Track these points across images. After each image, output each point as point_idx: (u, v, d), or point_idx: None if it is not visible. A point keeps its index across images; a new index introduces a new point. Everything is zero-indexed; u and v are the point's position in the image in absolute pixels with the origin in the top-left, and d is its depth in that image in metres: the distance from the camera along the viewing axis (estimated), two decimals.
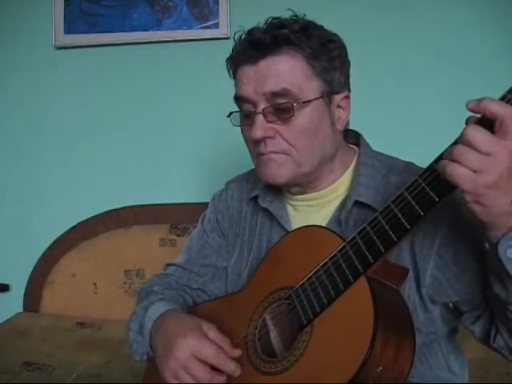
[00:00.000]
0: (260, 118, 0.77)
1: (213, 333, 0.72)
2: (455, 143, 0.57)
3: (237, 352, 0.72)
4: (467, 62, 1.55)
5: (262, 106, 0.76)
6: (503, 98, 0.56)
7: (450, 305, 0.80)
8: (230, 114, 0.83)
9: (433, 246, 0.74)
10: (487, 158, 0.53)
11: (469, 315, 0.77)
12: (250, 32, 0.79)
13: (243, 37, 0.80)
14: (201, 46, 1.66)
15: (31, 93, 1.73)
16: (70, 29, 1.69)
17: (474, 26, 1.56)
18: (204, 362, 0.69)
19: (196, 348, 0.69)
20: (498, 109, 0.53)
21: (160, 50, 1.68)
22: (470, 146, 0.54)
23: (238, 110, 0.82)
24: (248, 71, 0.77)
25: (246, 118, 0.80)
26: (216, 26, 1.64)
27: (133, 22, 1.67)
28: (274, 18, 0.79)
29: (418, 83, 1.57)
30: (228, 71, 0.84)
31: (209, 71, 1.64)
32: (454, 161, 0.55)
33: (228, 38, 1.62)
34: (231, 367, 0.70)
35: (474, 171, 0.54)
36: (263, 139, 0.77)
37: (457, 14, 1.57)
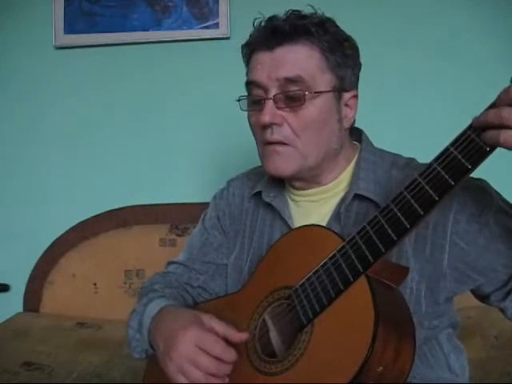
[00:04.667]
0: (270, 104, 0.77)
1: (215, 323, 0.71)
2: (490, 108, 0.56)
3: (244, 335, 0.71)
4: (467, 62, 1.55)
5: (273, 91, 0.77)
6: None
7: None
8: (240, 98, 0.83)
9: (446, 235, 0.73)
10: None
11: (497, 294, 0.75)
12: (270, 19, 0.80)
13: (263, 24, 0.81)
14: (201, 45, 1.66)
15: (31, 93, 1.73)
16: (70, 29, 1.68)
17: (473, 26, 1.56)
18: (208, 353, 0.68)
19: (198, 339, 0.68)
20: None
21: (160, 49, 1.68)
22: None
23: (246, 94, 0.83)
24: (263, 57, 0.78)
25: (255, 104, 0.81)
26: (216, 26, 1.63)
27: (133, 22, 1.67)
28: (294, 10, 0.80)
29: (418, 83, 1.58)
30: (243, 57, 0.85)
31: (209, 71, 1.65)
32: (506, 126, 0.54)
33: (228, 38, 1.61)
34: (232, 356, 0.69)
35: None
36: (270, 125, 0.78)
37: (457, 14, 1.56)
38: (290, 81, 0.76)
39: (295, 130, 0.78)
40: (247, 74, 0.83)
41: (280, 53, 0.77)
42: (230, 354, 0.69)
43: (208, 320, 0.72)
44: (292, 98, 0.77)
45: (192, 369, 0.68)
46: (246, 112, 0.84)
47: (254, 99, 0.81)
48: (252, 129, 0.84)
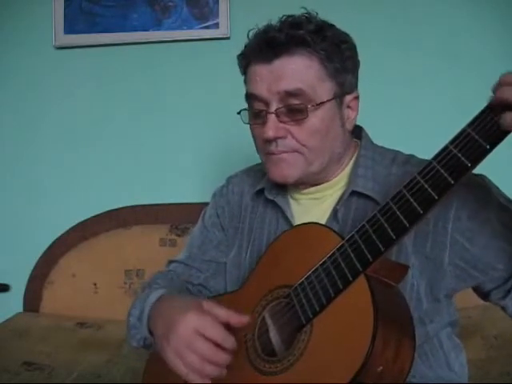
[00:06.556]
0: (272, 118, 0.77)
1: (216, 309, 0.69)
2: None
3: (245, 318, 0.69)
4: (467, 62, 1.55)
5: (274, 105, 0.77)
6: None
7: None
8: (240, 111, 0.83)
9: (446, 232, 0.73)
10: None
11: (497, 292, 0.74)
12: (265, 30, 0.79)
13: (258, 35, 0.80)
14: (201, 45, 1.66)
15: (31, 93, 1.73)
16: (70, 29, 1.68)
17: (473, 26, 1.56)
18: (206, 339, 0.66)
19: (198, 324, 0.67)
20: None
21: (160, 49, 1.68)
22: None
23: (247, 107, 0.82)
24: (261, 70, 0.77)
25: (257, 117, 0.80)
26: (216, 26, 1.63)
27: (133, 22, 1.67)
28: (288, 17, 0.79)
29: (418, 83, 1.58)
30: (239, 67, 0.84)
31: (209, 71, 1.65)
32: None
33: (228, 38, 1.62)
34: (232, 343, 0.67)
35: None
36: (274, 139, 0.78)
37: (457, 14, 1.56)
38: (290, 94, 0.75)
39: (299, 140, 0.78)
40: (246, 85, 0.83)
41: (278, 65, 0.76)
42: (230, 341, 0.67)
43: (209, 306, 0.70)
44: (294, 111, 0.76)
45: (189, 353, 0.66)
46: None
47: (256, 112, 0.80)
48: (255, 140, 0.84)
